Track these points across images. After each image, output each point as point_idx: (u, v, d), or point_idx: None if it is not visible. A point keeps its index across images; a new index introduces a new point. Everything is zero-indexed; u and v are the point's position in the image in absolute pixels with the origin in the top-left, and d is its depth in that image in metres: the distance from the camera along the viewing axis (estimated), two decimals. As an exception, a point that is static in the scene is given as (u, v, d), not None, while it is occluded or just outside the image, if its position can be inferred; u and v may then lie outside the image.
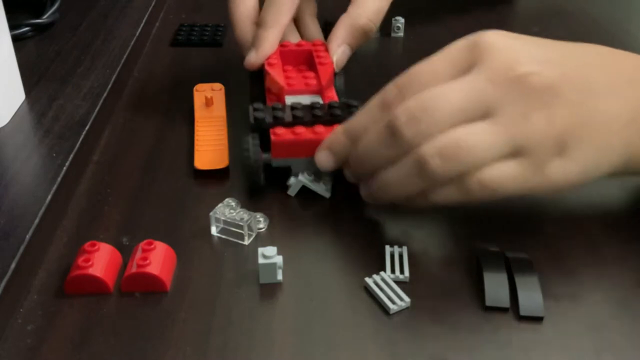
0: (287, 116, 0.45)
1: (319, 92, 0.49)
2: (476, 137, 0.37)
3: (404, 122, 0.38)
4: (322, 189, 0.45)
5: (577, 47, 0.41)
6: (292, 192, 0.45)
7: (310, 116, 0.45)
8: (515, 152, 0.38)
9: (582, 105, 0.38)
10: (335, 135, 0.43)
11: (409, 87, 0.39)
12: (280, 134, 0.44)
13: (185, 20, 0.72)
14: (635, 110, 0.39)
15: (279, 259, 0.38)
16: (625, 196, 0.46)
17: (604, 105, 0.39)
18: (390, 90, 0.40)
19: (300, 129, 0.44)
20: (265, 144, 0.44)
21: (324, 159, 0.43)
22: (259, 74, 0.52)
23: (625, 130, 0.39)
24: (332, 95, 0.49)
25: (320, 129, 0.44)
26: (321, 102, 0.47)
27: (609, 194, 0.46)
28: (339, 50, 0.52)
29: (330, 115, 0.45)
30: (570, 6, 0.74)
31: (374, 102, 0.41)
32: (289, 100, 0.48)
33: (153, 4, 0.70)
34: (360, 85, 0.51)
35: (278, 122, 0.45)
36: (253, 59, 0.51)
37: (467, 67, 0.39)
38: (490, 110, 0.38)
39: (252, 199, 0.45)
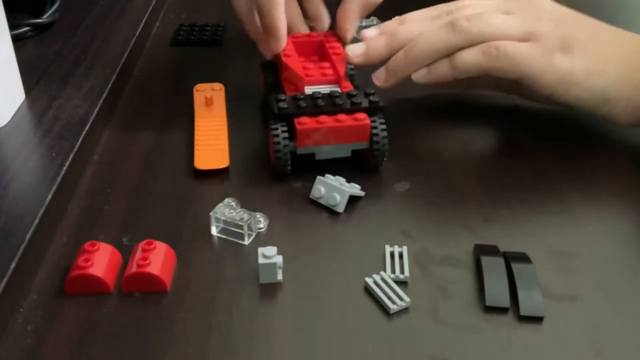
0: (310, 106, 0.46)
1: (336, 81, 0.50)
2: (496, 16, 0.48)
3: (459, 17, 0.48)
4: (357, 189, 0.45)
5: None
6: (340, 208, 0.44)
7: (332, 105, 0.46)
8: (528, 37, 0.47)
9: (587, 29, 0.49)
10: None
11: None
12: (305, 123, 0.45)
13: (185, 20, 0.72)
14: (632, 53, 0.48)
15: (279, 259, 0.38)
16: (626, 198, 0.46)
17: (605, 37, 0.49)
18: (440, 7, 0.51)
19: (324, 118, 0.45)
20: (291, 133, 0.46)
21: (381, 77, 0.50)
22: (271, 65, 0.53)
23: (625, 60, 0.48)
24: (348, 84, 0.50)
25: (342, 117, 0.46)
26: (339, 91, 0.48)
27: (609, 194, 0.46)
28: (354, 26, 0.52)
29: (351, 104, 0.46)
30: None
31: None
32: (308, 90, 0.48)
33: (153, 4, 0.70)
34: (367, 77, 0.51)
35: (302, 111, 0.46)
36: (275, 45, 0.51)
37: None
38: (511, 12, 0.49)
39: (252, 199, 0.45)
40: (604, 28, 0.50)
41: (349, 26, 0.52)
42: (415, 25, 0.50)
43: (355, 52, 0.50)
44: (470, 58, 0.47)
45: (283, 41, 0.50)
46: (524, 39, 0.47)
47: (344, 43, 0.52)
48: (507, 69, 0.47)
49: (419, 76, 0.49)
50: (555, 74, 0.47)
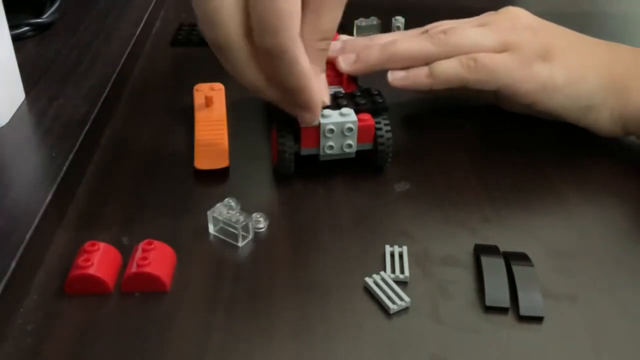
0: None
1: (339, 83, 0.50)
2: (471, 28, 0.49)
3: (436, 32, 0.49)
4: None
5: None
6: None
7: (335, 106, 0.46)
8: (505, 47, 0.47)
9: (565, 38, 0.49)
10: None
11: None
12: None
13: (185, 20, 0.72)
14: (612, 61, 0.48)
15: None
16: (625, 198, 0.46)
17: (584, 46, 0.49)
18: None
19: None
20: (295, 135, 0.45)
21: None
22: None
23: (606, 68, 0.48)
24: (352, 85, 0.50)
25: None
26: (343, 92, 0.48)
27: (609, 194, 0.46)
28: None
29: (356, 105, 0.46)
30: (570, 7, 0.74)
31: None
32: None
33: (153, 4, 0.70)
34: (370, 78, 0.51)
35: None
36: (312, 118, 0.44)
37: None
38: (486, 25, 0.49)
39: (252, 199, 0.45)
40: (581, 37, 0.50)
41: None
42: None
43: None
44: (449, 68, 0.47)
45: (318, 112, 0.44)
46: (501, 49, 0.48)
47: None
48: (486, 79, 0.47)
49: (396, 78, 0.49)
50: (535, 82, 0.47)
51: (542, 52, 0.47)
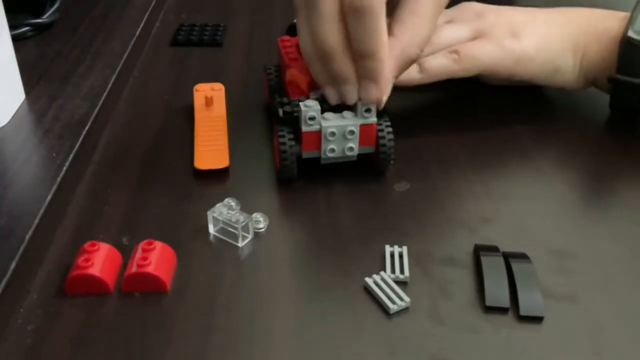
0: None
1: None
2: (445, 28, 0.53)
3: None
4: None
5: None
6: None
7: (337, 108, 0.45)
8: (478, 34, 0.52)
9: (522, 13, 0.54)
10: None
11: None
12: None
13: (185, 20, 0.72)
14: (567, 23, 0.54)
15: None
16: (625, 196, 0.46)
17: (539, 16, 0.54)
18: None
19: None
20: (295, 138, 0.45)
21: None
22: (274, 69, 0.53)
23: (564, 30, 0.53)
24: None
25: None
26: None
27: (609, 194, 0.46)
28: (389, 88, 0.45)
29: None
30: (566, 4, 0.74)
31: None
32: (313, 94, 0.48)
33: (153, 4, 0.70)
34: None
35: None
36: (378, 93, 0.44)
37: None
38: (453, 21, 0.54)
39: (252, 199, 0.45)
40: (536, 9, 0.55)
41: (384, 95, 0.45)
42: None
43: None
44: (437, 63, 0.51)
45: (385, 87, 0.44)
46: (475, 37, 0.52)
47: None
48: (470, 67, 0.51)
49: None
50: (510, 57, 0.52)
51: (510, 29, 0.52)
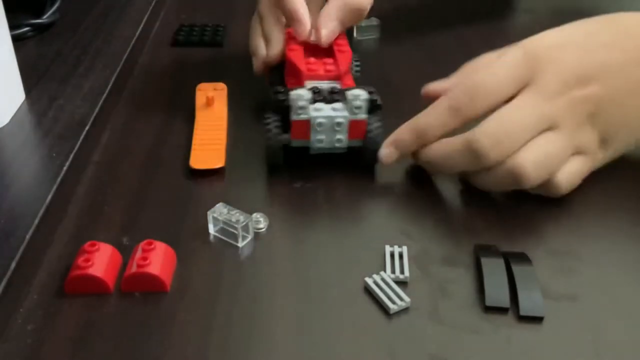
0: None
1: (338, 78, 0.50)
2: (548, 146, 0.43)
3: (490, 145, 0.42)
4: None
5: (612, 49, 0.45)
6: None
7: (329, 100, 0.46)
8: (575, 152, 0.44)
9: (620, 108, 0.45)
10: (401, 133, 0.46)
11: (477, 97, 0.44)
12: None
13: (185, 20, 0.72)
14: None
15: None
16: (625, 195, 0.46)
17: (633, 102, 0.45)
18: (459, 96, 0.44)
19: None
20: (286, 126, 0.46)
21: (388, 154, 0.46)
22: (278, 64, 0.53)
23: None
24: (350, 82, 0.50)
25: None
26: (339, 87, 0.48)
27: (609, 194, 0.46)
28: (329, 25, 0.51)
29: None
30: (567, 5, 0.74)
31: (443, 105, 0.44)
32: (309, 84, 0.48)
33: (153, 4, 0.70)
34: (372, 79, 0.51)
35: None
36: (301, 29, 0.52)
37: (526, 82, 0.44)
38: (552, 125, 0.43)
39: (252, 199, 0.45)
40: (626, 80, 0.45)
41: (323, 29, 0.51)
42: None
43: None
44: (540, 189, 0.45)
45: (307, 24, 0.51)
46: (574, 153, 0.45)
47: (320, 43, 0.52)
48: (572, 187, 0.45)
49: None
50: (595, 168, 0.46)
51: (602, 143, 0.45)
